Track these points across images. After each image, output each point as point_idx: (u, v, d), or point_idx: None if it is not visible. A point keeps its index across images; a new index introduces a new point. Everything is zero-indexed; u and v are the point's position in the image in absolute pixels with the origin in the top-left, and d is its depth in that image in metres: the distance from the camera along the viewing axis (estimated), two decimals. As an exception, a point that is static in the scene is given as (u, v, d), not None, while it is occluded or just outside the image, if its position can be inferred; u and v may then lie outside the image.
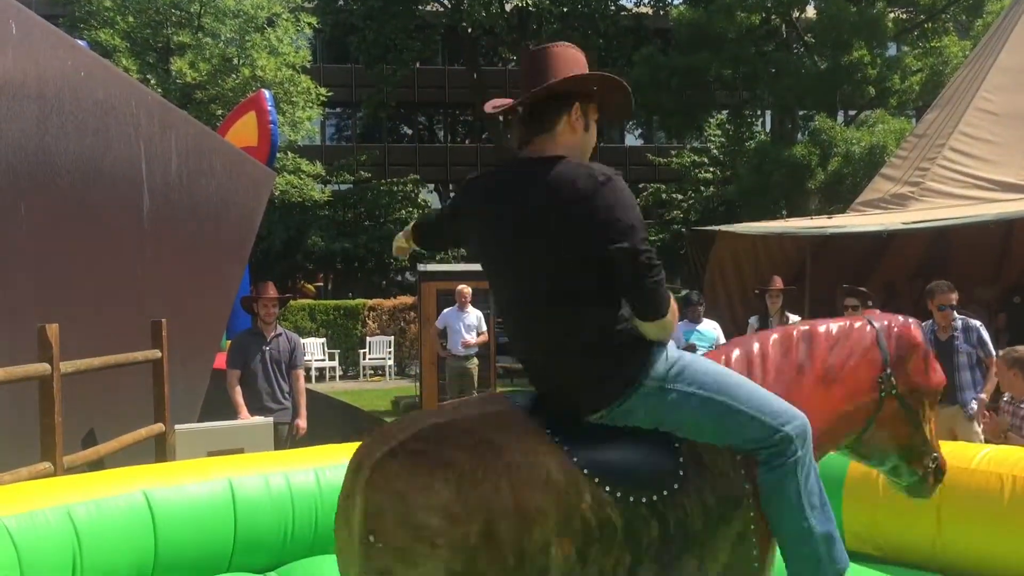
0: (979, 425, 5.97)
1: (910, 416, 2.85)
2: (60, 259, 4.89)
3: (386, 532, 2.07)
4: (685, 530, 2.33)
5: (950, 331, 6.34)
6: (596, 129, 2.56)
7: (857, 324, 2.88)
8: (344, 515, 2.22)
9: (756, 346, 2.74)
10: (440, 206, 33.61)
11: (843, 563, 2.55)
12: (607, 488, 2.26)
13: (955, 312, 6.37)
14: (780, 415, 2.45)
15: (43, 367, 4.39)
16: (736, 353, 2.72)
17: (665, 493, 2.32)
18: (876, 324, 2.89)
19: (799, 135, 25.09)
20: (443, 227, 2.85)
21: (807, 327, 2.84)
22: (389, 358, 19.52)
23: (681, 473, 2.37)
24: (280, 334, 6.54)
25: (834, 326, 2.85)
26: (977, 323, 6.40)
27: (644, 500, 2.30)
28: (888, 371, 2.80)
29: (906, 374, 2.84)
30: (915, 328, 2.95)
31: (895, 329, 2.90)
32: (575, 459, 2.27)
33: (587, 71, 2.49)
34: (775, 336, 2.79)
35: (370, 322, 20.74)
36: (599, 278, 2.35)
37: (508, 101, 2.51)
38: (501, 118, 2.57)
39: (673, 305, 2.41)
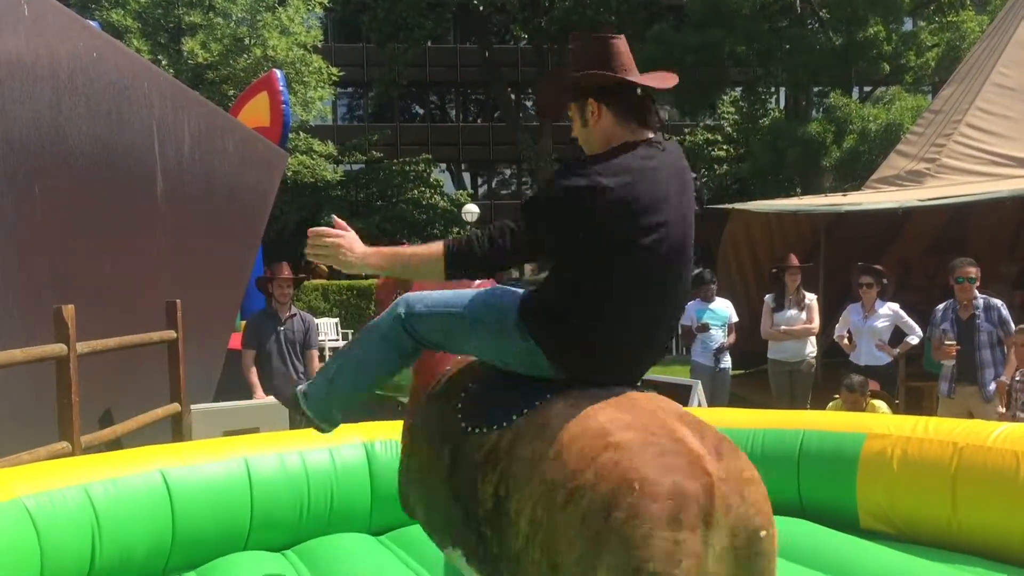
0: (1001, 407, 5.94)
1: None
2: (75, 240, 4.91)
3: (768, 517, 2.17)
4: None
5: (971, 309, 6.31)
6: None
7: None
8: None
9: None
10: (468, 207, 33.55)
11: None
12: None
13: (976, 291, 6.33)
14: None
15: (60, 347, 4.43)
16: None
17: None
18: None
19: (813, 112, 24.90)
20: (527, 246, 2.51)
21: None
22: (403, 337, 19.56)
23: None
24: (295, 315, 6.56)
25: None
26: (998, 302, 6.36)
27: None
28: None
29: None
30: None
31: None
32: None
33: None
34: None
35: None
36: None
37: (660, 77, 2.58)
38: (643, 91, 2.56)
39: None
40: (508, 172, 40.49)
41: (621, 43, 2.51)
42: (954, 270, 6.34)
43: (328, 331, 18.81)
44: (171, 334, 5.85)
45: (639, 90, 2.51)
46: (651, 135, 2.51)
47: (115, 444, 5.14)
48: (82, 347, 4.60)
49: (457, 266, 2.48)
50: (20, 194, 4.36)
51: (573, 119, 2.55)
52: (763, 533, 2.06)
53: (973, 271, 6.26)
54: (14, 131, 4.25)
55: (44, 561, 3.12)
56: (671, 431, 2.13)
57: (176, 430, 5.96)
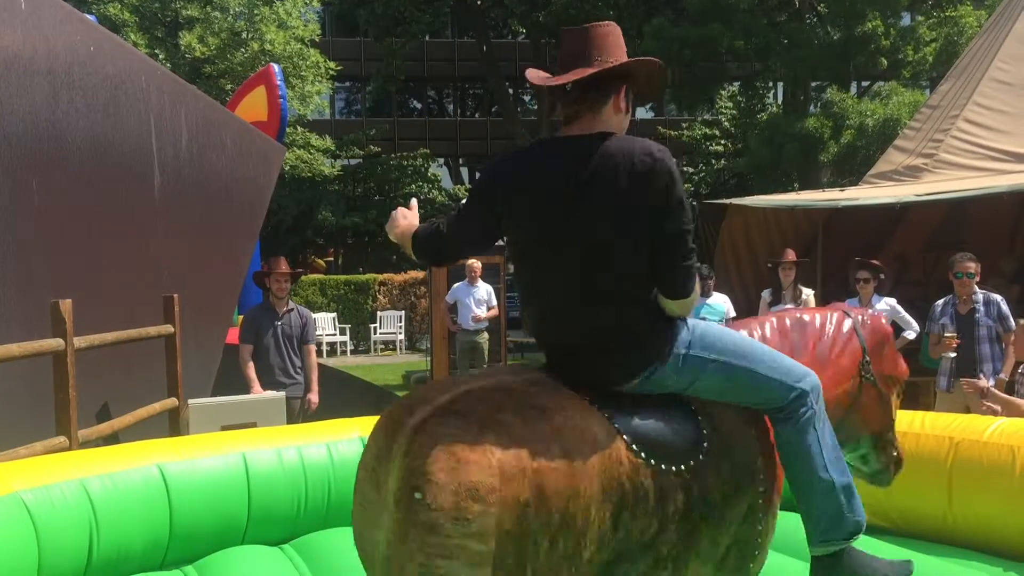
0: (997, 406, 5.95)
1: (883, 402, 3.05)
2: (72, 235, 4.91)
3: (436, 489, 2.06)
4: (705, 500, 2.40)
5: (970, 304, 6.32)
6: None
7: (835, 314, 3.10)
8: (375, 476, 2.20)
9: (755, 331, 2.89)
10: (451, 191, 33.53)
11: (862, 516, 2.64)
12: (643, 455, 2.30)
13: (976, 286, 6.34)
14: (794, 372, 2.57)
15: (57, 342, 4.42)
16: None
17: (692, 463, 2.39)
18: (851, 315, 3.10)
19: (811, 107, 24.89)
20: (463, 228, 2.59)
21: (795, 316, 3.04)
22: (400, 333, 19.59)
23: (705, 445, 2.44)
24: (292, 309, 6.56)
25: (818, 316, 3.06)
26: (998, 297, 6.37)
27: (674, 469, 2.35)
28: (866, 358, 3.02)
29: (880, 362, 3.07)
30: (884, 319, 3.19)
31: (867, 320, 3.13)
32: (616, 425, 2.32)
33: (625, 51, 2.51)
34: (769, 322, 2.96)
35: (381, 297, 20.79)
36: (646, 254, 2.39)
37: (563, 76, 2.48)
38: (547, 90, 2.53)
39: (697, 285, 2.50)
40: (506, 167, 40.39)
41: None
42: (953, 265, 6.35)
43: (326, 326, 18.82)
44: (168, 329, 5.85)
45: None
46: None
47: (112, 439, 5.14)
48: (79, 342, 4.60)
49: (420, 251, 2.67)
50: (17, 189, 4.35)
51: (618, 105, 2.50)
52: (417, 494, 2.06)
53: (973, 267, 6.27)
54: (11, 126, 4.24)
55: (41, 556, 3.12)
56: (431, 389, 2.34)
57: (173, 425, 5.96)
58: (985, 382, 5.42)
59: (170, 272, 6.14)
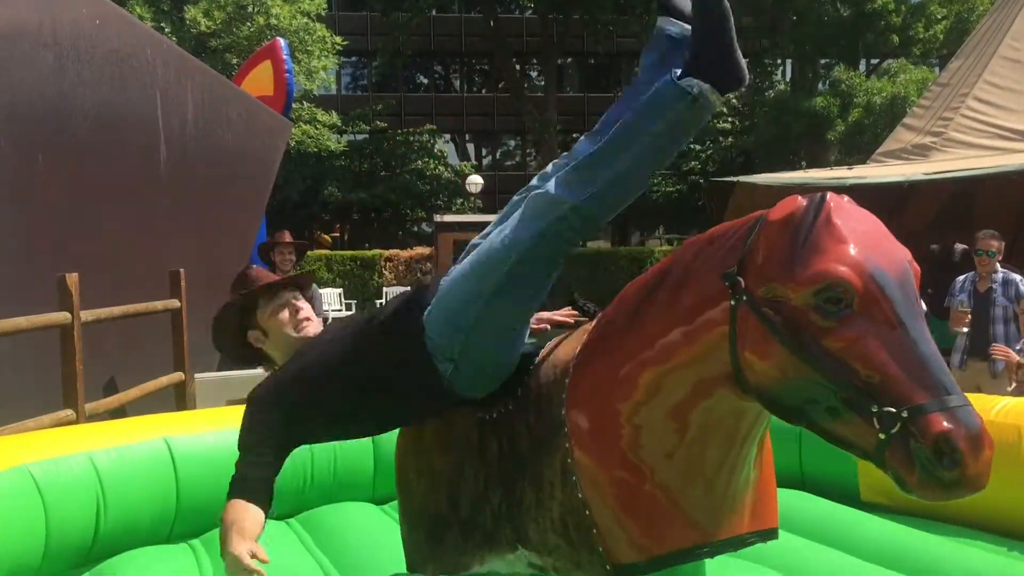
0: (1010, 385, 5.94)
1: (773, 330, 1.73)
2: (79, 209, 4.91)
3: None
4: (515, 450, 2.22)
5: (989, 282, 6.30)
6: None
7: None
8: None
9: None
10: (455, 156, 33.44)
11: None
12: (468, 405, 2.28)
13: (999, 264, 6.32)
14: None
15: (63, 316, 4.44)
16: None
17: (501, 411, 2.26)
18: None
19: (820, 85, 24.74)
20: None
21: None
22: (406, 308, 19.59)
23: (518, 391, 2.24)
24: (300, 285, 6.54)
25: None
26: (1017, 277, 6.34)
27: (486, 417, 2.28)
28: (734, 268, 1.81)
29: (758, 266, 1.78)
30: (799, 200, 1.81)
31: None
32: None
33: None
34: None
35: (387, 272, 20.81)
36: None
37: None
38: None
39: None
40: (512, 143, 40.33)
41: None
42: (976, 242, 6.35)
43: (332, 301, 18.84)
44: (175, 303, 5.87)
45: None
46: None
47: (119, 412, 5.17)
48: (86, 315, 4.62)
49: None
50: (23, 162, 4.35)
51: None
52: None
53: (995, 244, 6.26)
54: (18, 98, 4.23)
55: (49, 528, 3.14)
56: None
57: (180, 399, 5.99)
58: (1016, 356, 5.41)
59: (176, 246, 6.14)
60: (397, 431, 2.54)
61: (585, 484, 2.00)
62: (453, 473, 2.34)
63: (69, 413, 4.50)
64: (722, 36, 1.96)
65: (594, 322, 2.17)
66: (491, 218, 2.56)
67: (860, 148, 18.29)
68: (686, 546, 1.98)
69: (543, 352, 2.27)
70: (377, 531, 3.82)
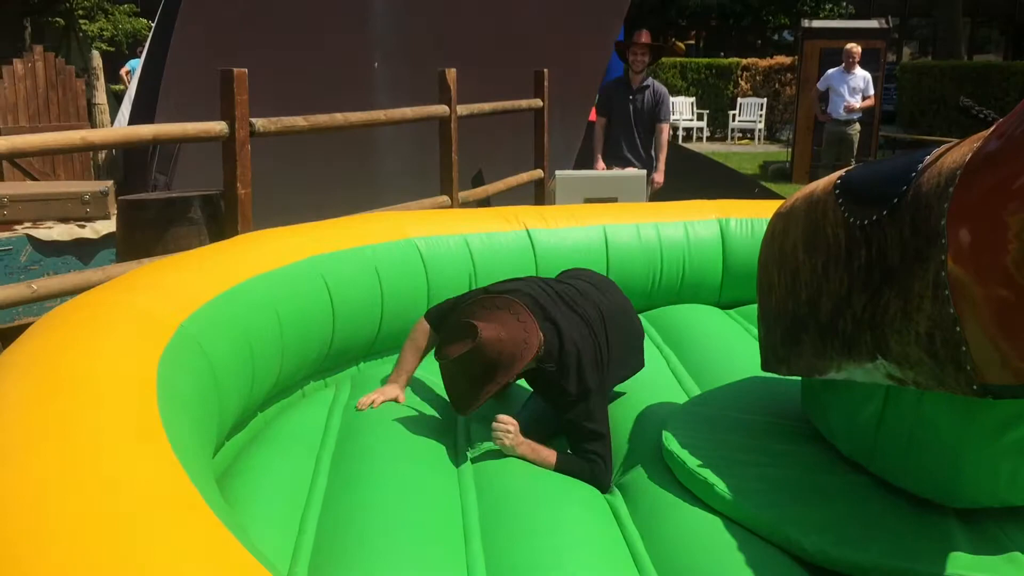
0: None
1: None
2: (455, 9, 5.16)
3: None
4: (884, 259, 2.09)
5: None
6: None
7: None
8: None
9: None
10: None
11: None
12: (842, 208, 2.25)
13: None
14: None
15: (443, 108, 4.79)
16: None
17: (874, 218, 2.13)
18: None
19: None
20: None
21: None
22: (759, 121, 18.83)
23: (895, 200, 2.08)
24: (648, 86, 6.38)
25: None
26: None
27: (857, 223, 2.18)
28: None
29: None
30: None
31: None
32: (838, 181, 2.32)
33: None
34: None
35: (742, 82, 20.00)
36: None
37: None
38: None
39: None
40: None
41: None
42: None
43: (683, 111, 18.55)
44: (538, 103, 6.09)
45: None
46: None
47: (484, 202, 5.59)
48: (461, 110, 4.95)
49: None
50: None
51: None
52: None
53: None
54: None
55: (430, 291, 3.57)
56: None
57: (539, 194, 6.32)
58: None
59: (540, 48, 6.30)
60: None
61: (959, 299, 1.88)
62: (816, 275, 2.31)
63: (444, 199, 4.94)
64: None
65: (989, 131, 1.94)
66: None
67: None
68: None
69: (927, 159, 2.09)
70: (720, 329, 3.88)
